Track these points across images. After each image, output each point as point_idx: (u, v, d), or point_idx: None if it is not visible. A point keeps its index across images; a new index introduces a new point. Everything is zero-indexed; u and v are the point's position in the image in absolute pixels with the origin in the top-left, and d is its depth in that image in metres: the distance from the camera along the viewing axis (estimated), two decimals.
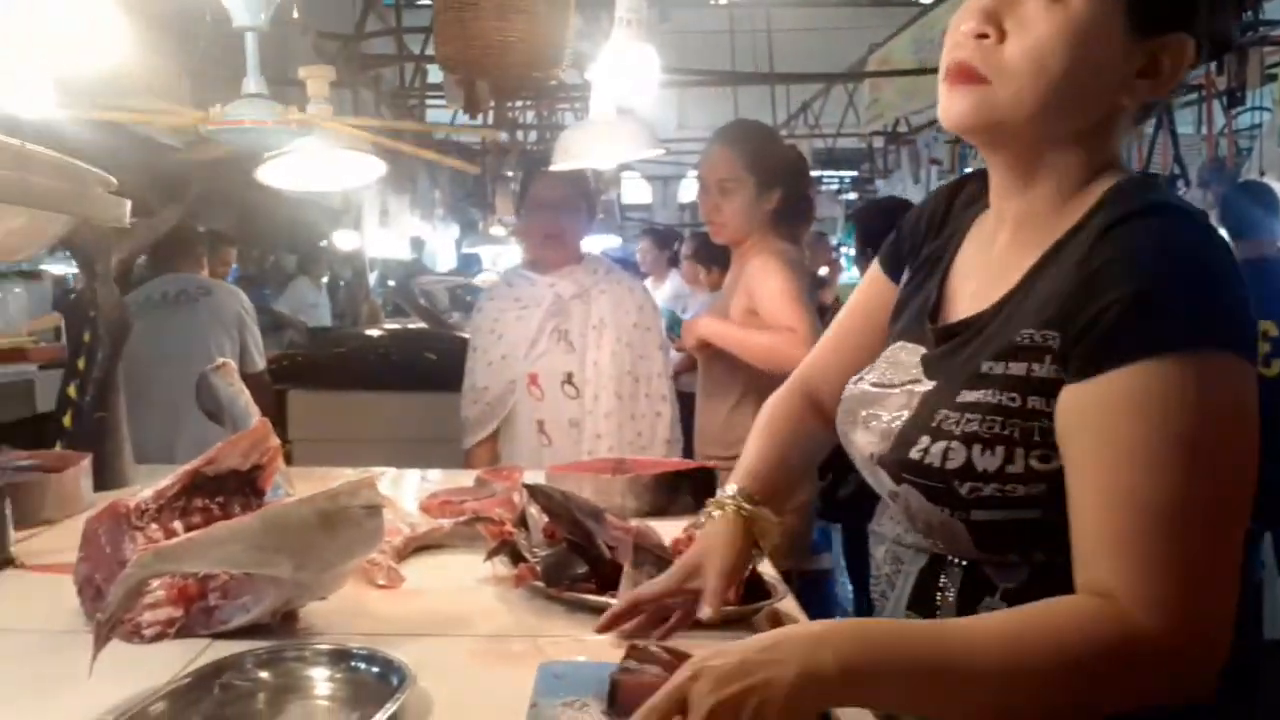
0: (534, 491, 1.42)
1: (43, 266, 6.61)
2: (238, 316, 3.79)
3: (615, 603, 1.23)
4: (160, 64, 2.04)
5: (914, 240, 1.16)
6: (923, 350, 1.03)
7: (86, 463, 1.85)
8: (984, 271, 1.02)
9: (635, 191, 14.30)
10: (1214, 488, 0.80)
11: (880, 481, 1.02)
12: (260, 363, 3.85)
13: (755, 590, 1.31)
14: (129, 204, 0.88)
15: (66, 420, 1.99)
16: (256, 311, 4.12)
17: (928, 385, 0.98)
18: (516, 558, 1.43)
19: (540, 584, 1.34)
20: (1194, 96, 6.46)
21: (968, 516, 0.92)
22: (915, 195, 7.24)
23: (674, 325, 5.39)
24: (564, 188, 2.60)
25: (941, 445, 0.92)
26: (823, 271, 6.48)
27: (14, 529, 1.55)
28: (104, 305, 2.01)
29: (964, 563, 0.96)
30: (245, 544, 1.06)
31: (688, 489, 1.86)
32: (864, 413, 1.04)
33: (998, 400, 0.90)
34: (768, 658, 0.77)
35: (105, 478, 1.93)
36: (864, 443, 1.03)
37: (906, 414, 0.98)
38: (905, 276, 1.15)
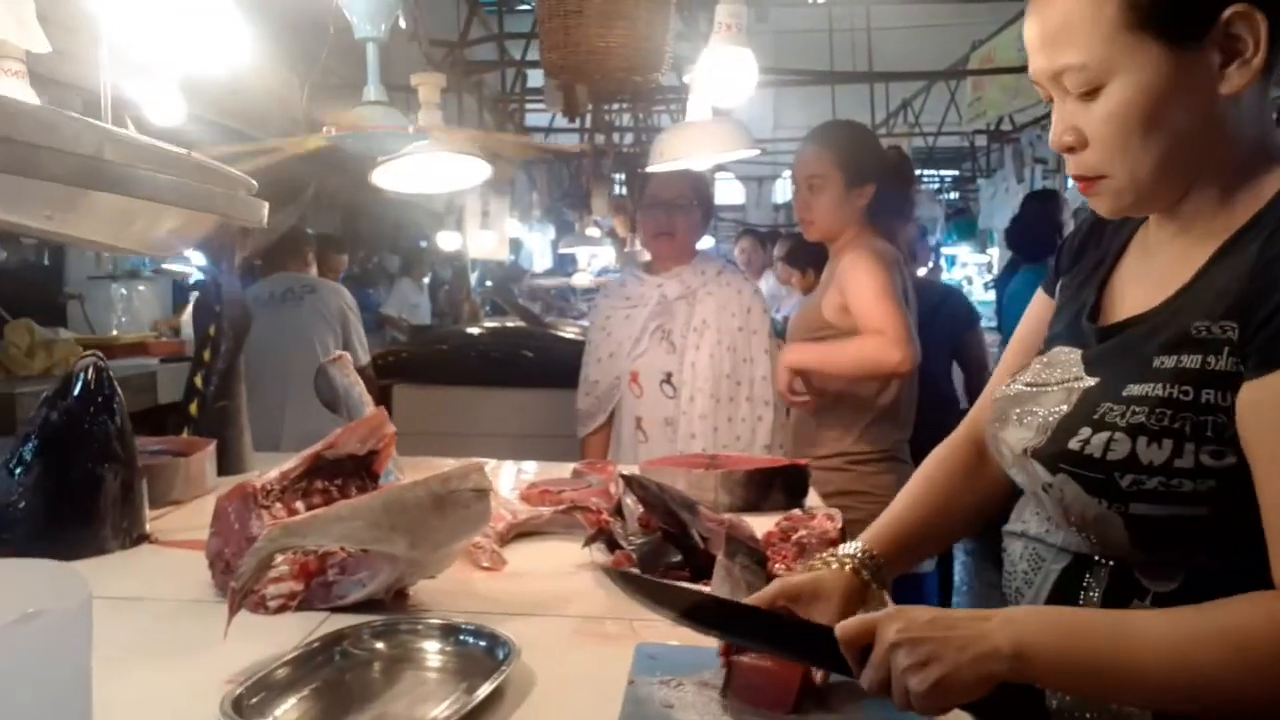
0: (630, 482, 1.47)
1: (165, 266, 6.98)
2: (341, 313, 3.94)
3: (708, 590, 1.27)
4: (281, 71, 2.15)
5: (1070, 256, 1.17)
6: (1081, 350, 1.03)
7: (212, 448, 1.97)
8: (1150, 274, 1.02)
9: (729, 192, 14.26)
10: None
11: (1033, 475, 1.00)
12: (364, 357, 3.98)
13: None
14: (266, 205, 0.96)
15: (193, 409, 2.12)
16: (362, 311, 4.28)
17: (1090, 382, 0.98)
18: (613, 545, 1.48)
19: (636, 570, 1.39)
20: None
21: (1126, 510, 0.91)
22: (1018, 194, 7.07)
23: None
24: (678, 186, 2.64)
25: (1104, 436, 0.92)
26: (922, 271, 6.40)
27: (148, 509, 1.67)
28: (228, 301, 2.14)
29: (1111, 564, 0.97)
30: (365, 522, 1.13)
31: (780, 485, 1.89)
32: (1017, 410, 1.04)
33: (1168, 393, 0.89)
34: (956, 622, 0.86)
35: (227, 462, 2.05)
36: (1016, 439, 1.03)
37: (1065, 408, 0.98)
38: (1060, 285, 1.16)
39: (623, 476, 1.48)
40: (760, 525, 1.52)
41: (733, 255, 6.87)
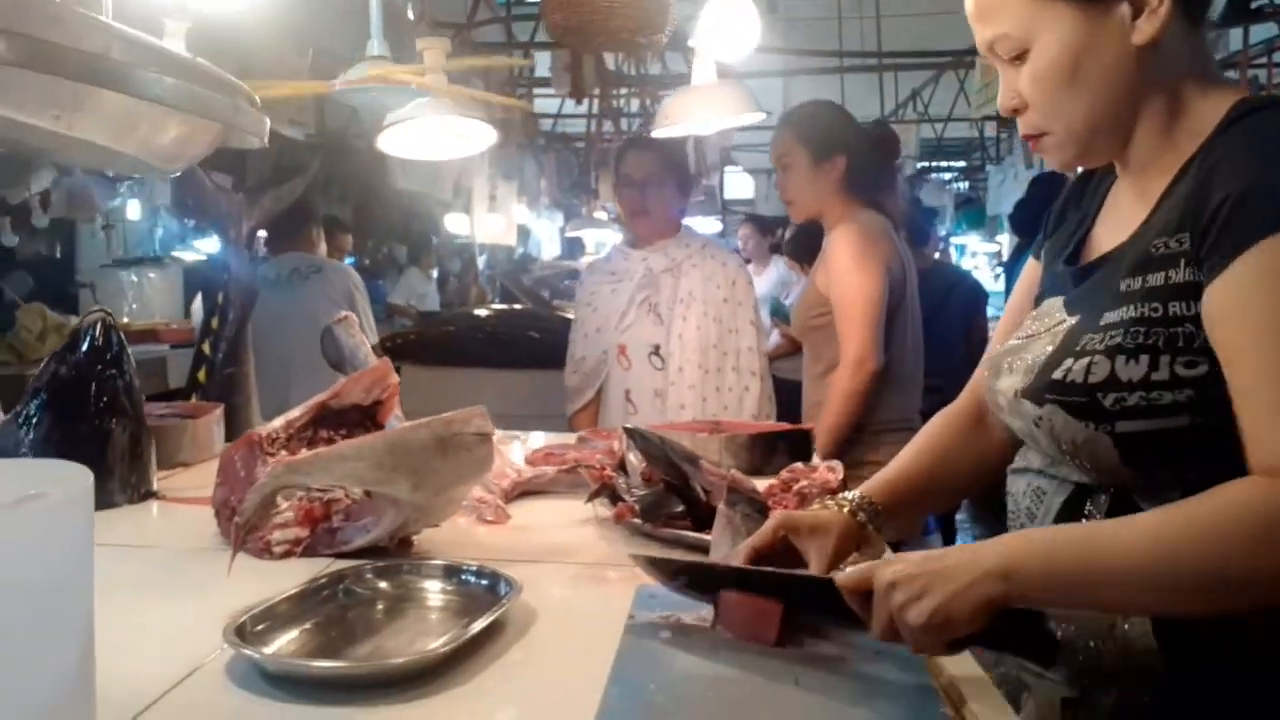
0: (633, 435, 1.47)
1: (175, 253, 7.02)
2: (347, 293, 3.92)
3: (710, 539, 1.28)
4: (289, 42, 2.17)
5: (1055, 219, 1.21)
6: (1064, 297, 1.07)
7: (219, 412, 1.99)
8: (1118, 219, 1.07)
9: (739, 186, 14.25)
10: None
11: (1025, 414, 1.03)
12: (372, 339, 3.98)
13: None
14: (268, 121, 0.97)
15: (201, 375, 2.13)
16: (371, 303, 4.29)
17: (1071, 321, 1.02)
18: (616, 499, 1.48)
19: (638, 521, 1.40)
20: None
21: (1112, 429, 0.94)
22: (1027, 179, 7.05)
23: (777, 310, 5.41)
24: (650, 163, 2.66)
25: (1084, 362, 0.96)
26: (936, 256, 6.43)
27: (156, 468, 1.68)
28: (235, 269, 2.15)
29: (1111, 490, 0.99)
30: (369, 462, 1.14)
31: (784, 449, 1.89)
32: (1008, 360, 1.08)
33: (1140, 312, 0.93)
34: (946, 554, 0.89)
35: (234, 427, 2.06)
36: (1007, 385, 1.06)
37: (1051, 348, 1.02)
38: (1045, 246, 1.21)
39: (625, 429, 1.49)
40: (764, 486, 1.52)
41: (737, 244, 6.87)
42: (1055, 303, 1.08)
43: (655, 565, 1.12)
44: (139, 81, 0.71)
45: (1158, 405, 0.91)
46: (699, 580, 1.08)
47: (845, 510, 1.14)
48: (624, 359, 2.66)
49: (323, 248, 4.25)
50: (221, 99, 0.81)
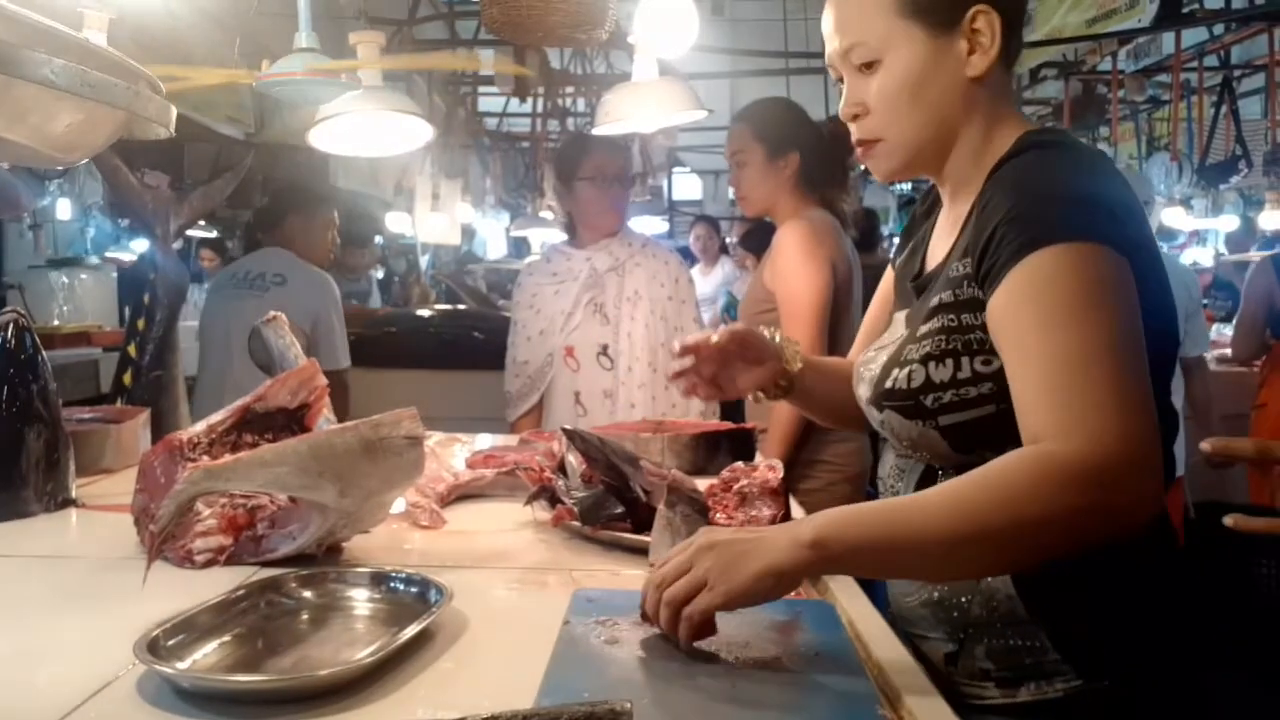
0: (572, 436, 1.44)
1: (109, 254, 6.83)
2: (312, 314, 3.23)
3: (650, 540, 1.26)
4: (215, 31, 2.10)
5: (902, 241, 1.37)
6: (907, 311, 1.23)
7: (144, 416, 1.92)
8: (941, 239, 1.23)
9: (686, 186, 14.30)
10: (1101, 336, 0.94)
11: (873, 417, 1.20)
12: (343, 361, 3.38)
13: None
14: (174, 110, 0.92)
15: (126, 378, 2.06)
16: None
17: (904, 334, 1.18)
18: (555, 502, 1.45)
19: (577, 523, 1.37)
20: (1260, 82, 6.31)
21: (937, 424, 1.09)
22: None
23: (729, 307, 5.42)
24: (622, 159, 2.66)
25: (906, 370, 1.11)
26: None
27: (75, 476, 1.61)
28: (162, 268, 2.08)
29: (951, 469, 1.11)
30: (292, 467, 1.09)
31: (727, 449, 1.88)
32: (860, 370, 1.25)
33: (942, 324, 1.10)
34: (760, 531, 0.98)
35: (161, 432, 1.98)
36: (861, 393, 1.24)
37: (886, 360, 1.18)
38: (898, 264, 1.36)
39: (564, 430, 1.46)
40: (705, 486, 1.50)
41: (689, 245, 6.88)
42: (900, 317, 1.23)
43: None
44: (25, 63, 0.66)
45: (967, 399, 1.06)
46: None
47: (788, 353, 1.43)
48: (571, 360, 2.63)
49: (322, 249, 3.54)
50: (120, 84, 0.76)
